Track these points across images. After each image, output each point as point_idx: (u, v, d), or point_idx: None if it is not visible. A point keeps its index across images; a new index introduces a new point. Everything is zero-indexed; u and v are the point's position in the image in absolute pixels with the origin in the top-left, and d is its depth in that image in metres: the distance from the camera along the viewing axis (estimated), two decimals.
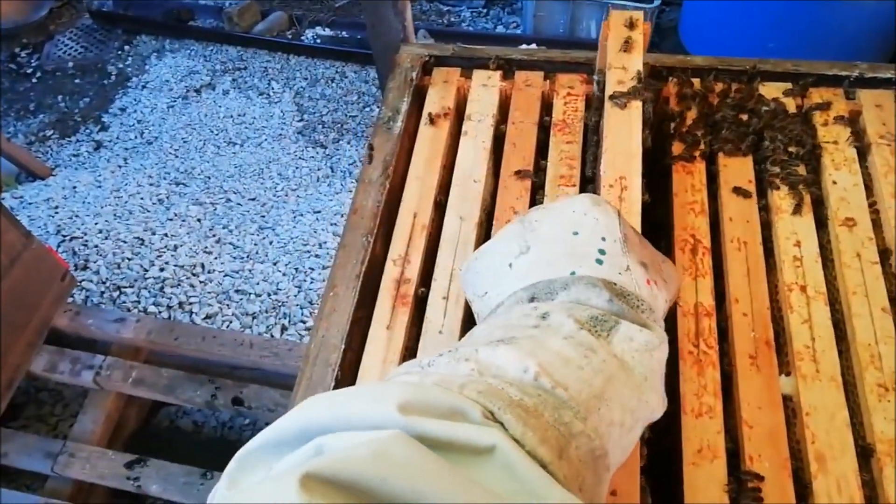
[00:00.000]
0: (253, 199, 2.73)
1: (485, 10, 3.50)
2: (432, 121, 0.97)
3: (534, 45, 3.09)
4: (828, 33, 2.45)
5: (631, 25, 0.91)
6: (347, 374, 0.77)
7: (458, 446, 0.36)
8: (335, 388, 0.74)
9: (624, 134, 0.82)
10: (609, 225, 0.56)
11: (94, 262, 2.32)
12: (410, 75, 1.02)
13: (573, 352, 0.46)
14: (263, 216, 2.64)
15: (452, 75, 1.03)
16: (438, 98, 1.01)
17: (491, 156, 0.96)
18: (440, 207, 0.91)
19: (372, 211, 0.88)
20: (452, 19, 3.49)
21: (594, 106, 0.96)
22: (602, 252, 0.55)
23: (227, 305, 2.26)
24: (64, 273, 1.89)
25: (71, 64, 3.32)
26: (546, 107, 1.00)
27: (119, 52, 3.38)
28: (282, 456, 0.37)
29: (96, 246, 2.37)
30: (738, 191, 0.88)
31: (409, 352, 0.78)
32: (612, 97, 0.85)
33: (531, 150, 0.95)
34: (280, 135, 3.03)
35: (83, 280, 2.26)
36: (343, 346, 0.77)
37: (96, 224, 2.46)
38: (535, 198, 0.91)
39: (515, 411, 0.39)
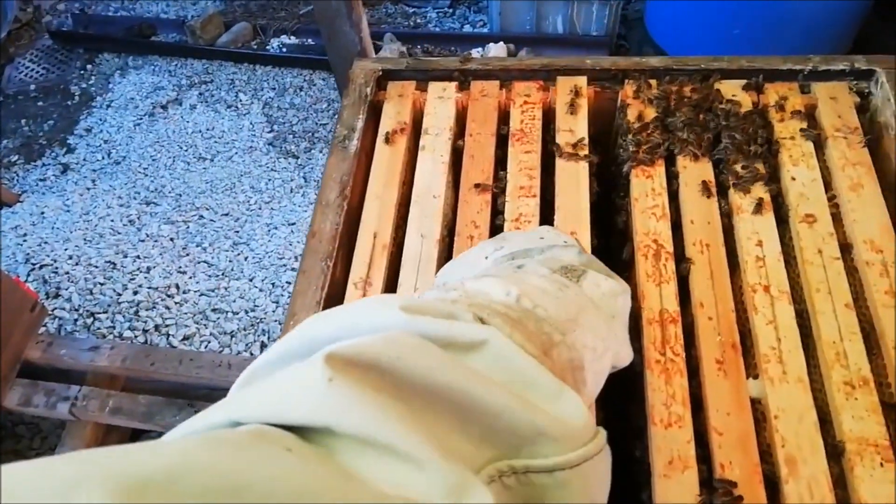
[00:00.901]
0: (226, 215, 2.70)
1: (451, 10, 3.49)
2: (388, 139, 0.96)
3: (501, 44, 3.08)
4: (788, 20, 2.46)
5: (575, 92, 0.98)
6: None
7: (454, 343, 0.39)
8: None
9: (573, 192, 0.89)
10: (567, 238, 0.66)
11: (66, 290, 2.28)
12: (364, 91, 1.00)
13: (549, 285, 0.51)
14: (237, 231, 2.61)
15: (407, 89, 1.02)
16: (394, 113, 0.99)
17: (450, 169, 0.95)
18: (401, 226, 0.90)
19: (330, 234, 0.87)
20: (419, 21, 3.47)
21: None
22: (567, 243, 0.63)
23: (205, 325, 2.24)
24: (34, 304, 1.86)
25: (33, 86, 3.27)
26: (504, 116, 0.99)
27: (81, 72, 3.33)
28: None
29: (67, 272, 2.33)
30: (698, 192, 0.87)
31: None
32: (560, 156, 0.91)
33: (490, 162, 0.94)
34: (250, 147, 3.00)
35: (55, 308, 2.22)
36: None
37: (66, 250, 2.42)
38: (496, 210, 0.90)
39: (503, 318, 0.43)
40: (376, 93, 1.02)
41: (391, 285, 0.84)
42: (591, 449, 0.38)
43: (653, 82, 0.97)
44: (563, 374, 0.45)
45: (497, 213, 0.90)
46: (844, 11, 2.48)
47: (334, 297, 0.83)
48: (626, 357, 0.57)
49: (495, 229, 0.88)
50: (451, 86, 1.01)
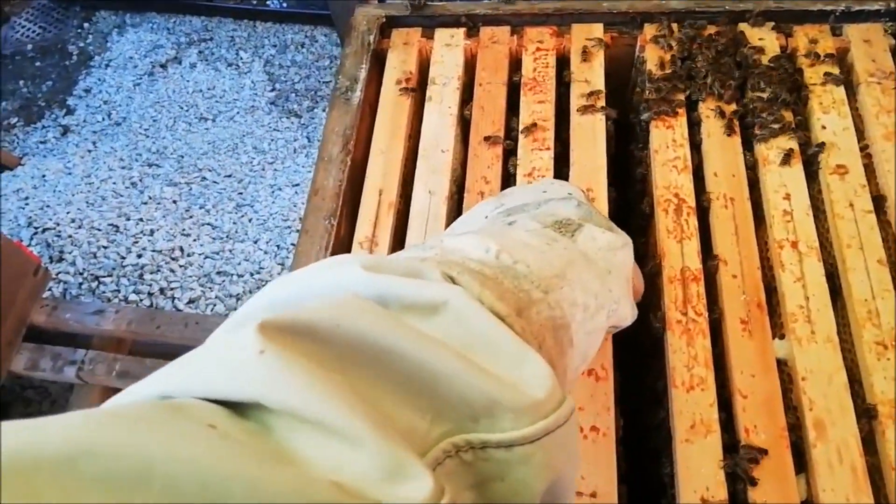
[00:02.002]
0: (229, 176, 2.66)
1: None
2: (402, 89, 0.91)
3: None
4: None
5: (591, 39, 0.93)
6: None
7: (414, 305, 0.36)
8: None
9: (589, 146, 0.84)
10: (575, 191, 0.62)
11: (70, 253, 2.25)
12: (367, 39, 0.95)
13: (535, 240, 0.47)
14: (241, 193, 2.57)
15: (413, 36, 0.96)
16: (399, 62, 0.94)
17: (459, 122, 0.90)
18: (408, 182, 0.86)
19: (333, 191, 0.82)
20: None
21: None
22: (570, 195, 0.59)
23: (210, 288, 2.21)
24: (37, 267, 1.83)
25: (30, 46, 3.19)
26: (515, 64, 0.94)
27: (79, 31, 3.25)
28: None
29: (70, 236, 2.30)
30: (722, 142, 0.82)
31: None
32: (577, 110, 0.86)
33: (501, 113, 0.89)
34: (252, 107, 2.94)
35: (59, 272, 2.20)
36: None
37: (68, 213, 2.39)
38: (507, 165, 0.86)
39: (474, 275, 0.40)
40: (380, 41, 0.96)
41: (398, 244, 0.81)
42: (551, 421, 0.34)
43: (674, 26, 0.91)
44: (542, 334, 0.41)
45: (507, 169, 0.85)
46: None
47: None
48: (626, 315, 0.53)
49: (507, 183, 0.84)
50: (460, 32, 0.96)
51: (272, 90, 2.95)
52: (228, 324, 0.38)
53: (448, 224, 0.81)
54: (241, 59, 3.10)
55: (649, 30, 0.92)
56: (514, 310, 0.39)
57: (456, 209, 0.84)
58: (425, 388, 0.33)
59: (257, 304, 0.39)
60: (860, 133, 0.83)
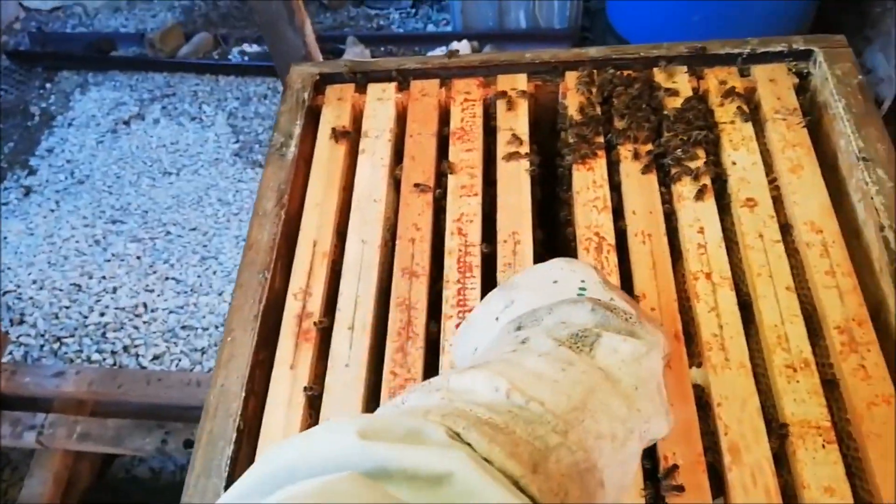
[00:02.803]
0: (193, 229, 2.67)
1: (413, 10, 3.47)
2: (336, 138, 0.94)
3: (465, 42, 3.07)
4: (745, 5, 2.47)
5: (515, 89, 0.97)
6: (251, 422, 0.74)
7: (416, 476, 0.34)
8: (237, 439, 0.71)
9: (514, 192, 0.87)
10: (587, 274, 0.58)
11: (31, 315, 2.24)
12: (302, 96, 0.99)
13: (548, 367, 0.45)
14: (205, 245, 2.58)
15: (346, 92, 1.00)
16: (333, 117, 0.98)
17: (391, 172, 0.93)
18: (342, 233, 0.88)
19: (268, 245, 0.85)
20: (381, 22, 3.45)
21: None
22: (583, 289, 0.56)
23: (175, 343, 2.21)
24: None
25: None
26: (445, 115, 0.98)
27: (41, 91, 3.28)
28: None
29: (31, 298, 2.29)
30: (640, 182, 0.87)
31: (316, 390, 0.75)
32: (503, 158, 0.89)
33: (431, 163, 0.92)
34: (216, 159, 2.96)
35: (20, 335, 2.18)
36: (244, 394, 0.73)
37: (30, 275, 2.38)
38: (439, 212, 0.89)
39: (482, 429, 0.38)
40: (314, 97, 1.00)
41: (332, 295, 0.83)
42: None
43: (595, 73, 0.96)
44: (564, 486, 0.38)
45: (439, 216, 0.89)
46: None
47: (273, 309, 0.81)
48: (661, 429, 0.49)
49: (437, 229, 0.87)
50: (391, 87, 1.00)
51: (236, 142, 2.99)
52: (228, 500, 0.37)
53: (381, 272, 0.84)
54: (205, 112, 3.13)
55: (570, 78, 0.97)
56: (530, 466, 0.37)
57: (389, 257, 0.86)
58: None
59: (256, 477, 0.37)
60: (769, 167, 0.87)
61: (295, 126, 0.96)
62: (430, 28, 3.36)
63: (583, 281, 0.57)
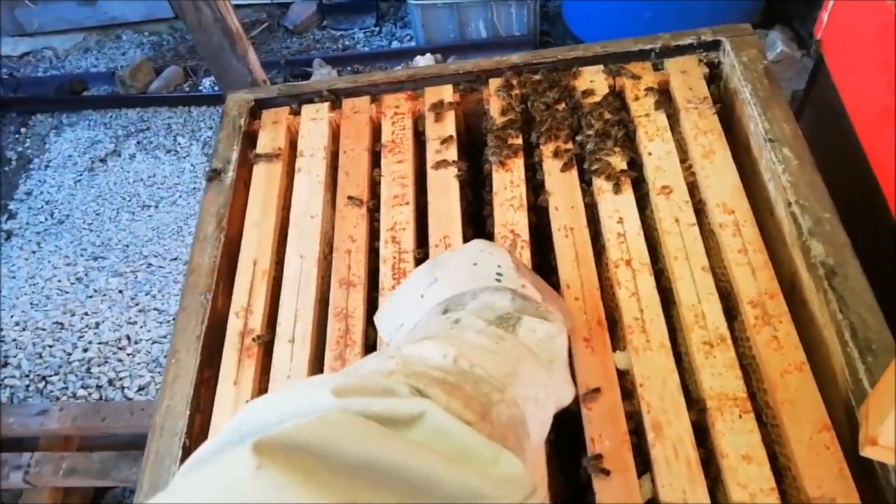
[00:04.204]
0: (175, 259, 2.70)
1: (377, 29, 3.52)
2: (261, 159, 0.98)
3: (428, 55, 3.12)
4: None
5: (441, 100, 1.01)
6: (198, 439, 0.77)
7: (391, 418, 0.39)
8: (183, 458, 0.74)
9: (443, 198, 0.91)
10: (502, 258, 0.65)
11: (14, 357, 2.26)
12: (238, 122, 1.02)
13: (486, 340, 0.52)
14: None
15: (281, 115, 1.04)
16: (269, 140, 1.01)
17: (328, 189, 0.97)
18: (281, 250, 0.92)
19: (209, 267, 0.88)
20: (347, 43, 3.50)
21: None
22: (500, 275, 0.63)
23: (159, 373, 2.23)
24: None
25: None
26: (377, 129, 1.01)
27: (16, 136, 3.31)
28: None
29: (14, 339, 2.32)
30: (560, 179, 0.90)
31: None
32: (432, 167, 0.94)
33: (365, 177, 0.96)
34: (194, 189, 3.00)
35: (5, 378, 2.20)
36: (189, 412, 0.76)
37: (12, 317, 2.41)
38: (374, 222, 0.92)
39: (441, 385, 0.44)
40: (250, 123, 1.04)
41: (272, 310, 0.86)
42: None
43: (514, 80, 0.99)
44: (504, 433, 0.46)
45: (374, 226, 0.92)
46: None
47: (216, 329, 0.85)
48: (567, 397, 0.58)
49: (373, 239, 0.90)
50: (324, 107, 1.03)
51: None
52: (206, 450, 0.39)
53: (319, 285, 0.87)
54: (179, 143, 3.17)
55: (493, 84, 1.00)
56: (480, 415, 0.44)
57: (327, 270, 0.90)
58: (418, 491, 0.35)
59: (234, 430, 0.39)
60: (683, 154, 0.91)
61: (232, 151, 0.99)
62: (395, 45, 3.40)
63: (499, 266, 0.64)
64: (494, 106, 0.97)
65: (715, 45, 0.98)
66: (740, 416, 0.70)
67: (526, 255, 0.83)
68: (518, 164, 0.91)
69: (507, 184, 0.89)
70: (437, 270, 0.65)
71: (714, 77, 0.98)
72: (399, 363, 0.47)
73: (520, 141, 0.93)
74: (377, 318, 0.71)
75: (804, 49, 2.60)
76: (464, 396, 0.44)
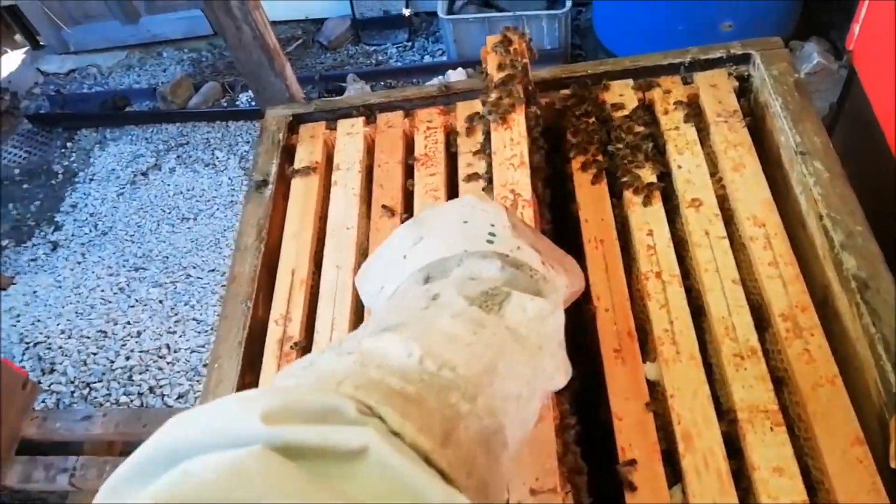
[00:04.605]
0: (212, 271, 2.77)
1: (409, 44, 3.57)
2: (299, 173, 1.01)
3: (460, 69, 3.15)
4: (725, 10, 2.51)
5: (472, 116, 1.01)
6: None
7: (329, 452, 0.34)
8: None
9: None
10: (497, 215, 0.58)
11: (61, 364, 2.34)
12: (277, 137, 1.06)
13: (461, 328, 0.46)
14: (224, 285, 2.67)
15: (318, 130, 1.07)
16: (307, 154, 1.05)
17: (363, 201, 0.99)
18: (319, 261, 0.95)
19: (249, 276, 0.91)
20: (380, 58, 3.56)
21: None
22: (492, 235, 0.56)
23: (198, 381, 2.29)
24: (24, 381, 1.91)
25: (17, 171, 3.37)
26: (410, 143, 1.04)
27: (62, 151, 3.43)
28: (149, 483, 0.33)
29: (60, 347, 2.40)
30: (591, 191, 0.92)
31: None
32: (463, 179, 0.94)
33: (399, 189, 0.98)
34: (231, 202, 3.07)
35: (52, 384, 2.28)
36: None
37: (58, 325, 2.50)
38: None
39: (395, 401, 0.38)
40: (289, 137, 1.07)
41: (310, 318, 0.89)
42: None
43: (515, 36, 0.99)
44: (471, 452, 0.40)
45: None
46: None
47: (256, 336, 0.88)
48: (558, 383, 0.53)
49: None
50: (359, 121, 1.07)
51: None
52: (126, 470, 0.36)
53: (355, 295, 0.90)
54: (217, 158, 3.25)
55: (491, 41, 1.00)
56: (440, 438, 0.38)
57: None
58: None
59: (157, 448, 0.36)
60: (713, 167, 0.91)
61: (271, 165, 1.03)
62: (427, 59, 3.45)
63: (492, 225, 0.57)
64: (492, 63, 0.97)
65: (745, 59, 0.99)
66: (772, 429, 0.70)
67: (528, 215, 0.77)
68: (518, 119, 0.89)
69: (507, 142, 0.86)
70: (422, 228, 0.59)
71: (744, 90, 0.99)
72: (356, 362, 0.42)
73: (521, 92, 0.91)
74: (358, 280, 0.64)
75: (841, 61, 2.56)
76: (422, 415, 0.38)
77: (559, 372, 0.52)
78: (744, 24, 2.48)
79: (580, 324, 0.82)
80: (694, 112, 0.95)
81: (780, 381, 0.76)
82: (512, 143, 0.86)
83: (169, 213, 3.05)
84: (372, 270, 0.61)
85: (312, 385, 0.41)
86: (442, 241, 0.56)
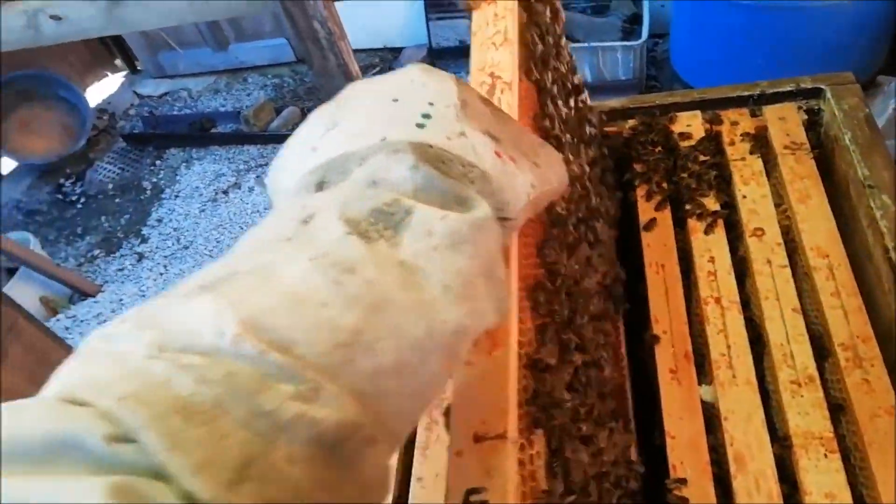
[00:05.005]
0: None
1: None
2: None
3: None
4: (810, 44, 2.48)
5: None
6: None
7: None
8: None
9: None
10: (442, 90, 0.44)
11: None
12: None
13: (319, 278, 0.33)
14: None
15: None
16: None
17: None
18: None
19: None
20: None
21: None
22: (427, 116, 0.42)
23: None
24: None
25: (111, 185, 3.61)
26: None
27: (152, 168, 3.66)
28: None
29: None
30: (655, 217, 0.94)
31: None
32: None
33: None
34: None
35: None
36: None
37: None
38: None
39: (167, 423, 0.26)
40: None
41: None
42: None
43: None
44: (294, 482, 0.28)
45: None
46: (866, 28, 2.48)
47: None
48: (488, 322, 0.39)
49: None
50: None
51: None
52: None
53: None
54: None
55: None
56: (234, 474, 0.26)
57: None
58: None
59: None
60: (778, 198, 0.93)
61: None
62: None
63: (431, 104, 0.42)
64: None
65: (815, 93, 1.00)
66: (826, 455, 0.71)
67: (507, 100, 0.62)
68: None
69: (490, 18, 0.69)
70: (339, 111, 0.44)
71: (813, 124, 1.00)
72: (152, 342, 0.29)
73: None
74: (268, 175, 0.48)
75: None
76: (213, 437, 0.27)
77: (493, 309, 0.39)
78: (825, 58, 2.45)
79: (640, 345, 0.85)
80: (761, 143, 0.97)
81: (838, 410, 0.76)
82: (496, 18, 0.69)
83: (245, 230, 3.20)
84: (279, 164, 0.45)
85: (66, 390, 0.29)
86: (357, 127, 0.42)
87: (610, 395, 0.77)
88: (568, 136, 0.79)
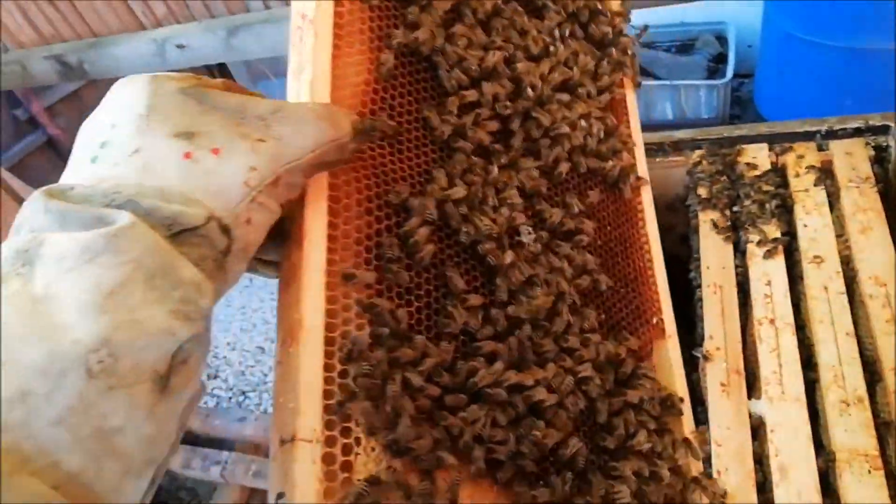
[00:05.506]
0: None
1: None
2: None
3: None
4: None
5: None
6: None
7: None
8: None
9: None
10: (130, 103, 0.42)
11: (223, 372, 2.64)
12: None
13: None
14: None
15: None
16: None
17: None
18: None
19: None
20: None
21: None
22: (104, 145, 0.41)
23: None
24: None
25: None
26: None
27: None
28: None
29: (225, 357, 2.71)
30: (716, 241, 0.99)
31: None
32: None
33: None
34: None
35: (214, 388, 2.58)
36: None
37: (225, 338, 2.82)
38: None
39: None
40: None
41: None
42: None
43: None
44: None
45: None
46: None
47: None
48: (168, 325, 0.36)
49: None
50: None
51: None
52: None
53: None
54: None
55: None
56: None
57: None
58: None
59: None
60: (840, 228, 0.95)
61: None
62: None
63: (113, 126, 0.41)
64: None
65: (884, 130, 1.02)
66: (870, 472, 0.73)
67: (309, 43, 0.54)
68: None
69: None
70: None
71: (880, 159, 1.02)
72: None
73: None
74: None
75: None
76: None
77: (153, 318, 0.36)
78: None
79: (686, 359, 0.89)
80: (826, 176, 1.00)
81: (886, 430, 0.78)
82: None
83: None
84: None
85: None
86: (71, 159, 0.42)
87: None
88: None
